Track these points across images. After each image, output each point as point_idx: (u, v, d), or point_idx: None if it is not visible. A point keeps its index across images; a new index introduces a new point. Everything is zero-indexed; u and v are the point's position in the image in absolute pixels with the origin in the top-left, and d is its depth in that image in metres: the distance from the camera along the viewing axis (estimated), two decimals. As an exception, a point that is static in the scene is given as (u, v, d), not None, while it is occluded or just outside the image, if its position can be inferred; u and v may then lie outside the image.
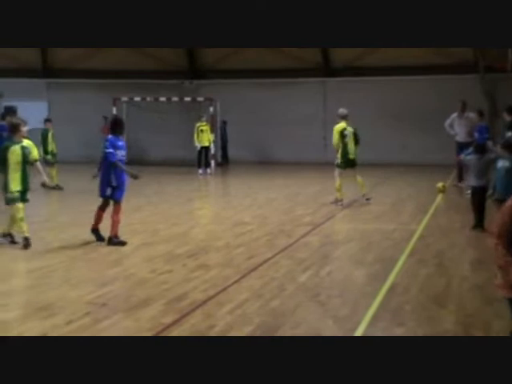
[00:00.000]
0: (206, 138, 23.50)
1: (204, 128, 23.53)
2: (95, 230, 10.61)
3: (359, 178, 15.10)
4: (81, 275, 8.65)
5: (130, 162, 27.49)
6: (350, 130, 14.98)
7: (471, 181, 11.88)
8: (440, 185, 16.96)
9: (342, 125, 14.96)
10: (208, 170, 23.71)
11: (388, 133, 26.71)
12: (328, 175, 23.16)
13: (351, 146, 14.96)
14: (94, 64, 28.17)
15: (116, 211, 10.45)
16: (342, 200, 14.91)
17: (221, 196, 19.65)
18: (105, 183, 10.53)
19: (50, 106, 29.01)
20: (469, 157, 11.93)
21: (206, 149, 23.62)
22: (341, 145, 14.91)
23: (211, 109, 26.02)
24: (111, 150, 10.40)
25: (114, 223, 10.43)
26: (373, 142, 26.80)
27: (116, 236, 10.41)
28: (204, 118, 23.96)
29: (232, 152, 27.76)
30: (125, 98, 27.32)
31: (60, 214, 14.20)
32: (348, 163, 14.98)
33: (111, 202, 10.63)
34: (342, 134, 14.88)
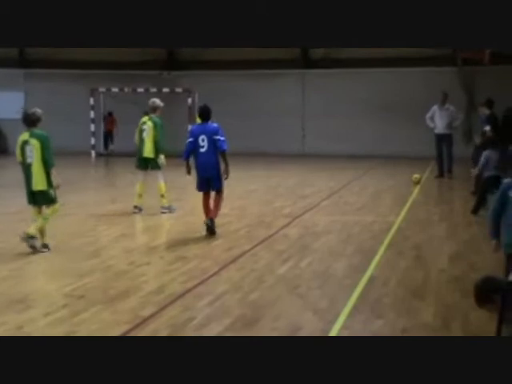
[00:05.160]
0: None
1: None
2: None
3: (160, 183, 12.68)
4: (57, 267, 8.54)
5: (108, 152, 27.59)
6: (149, 124, 12.67)
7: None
8: (415, 177, 17.09)
9: (144, 118, 12.86)
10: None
11: (368, 125, 26.70)
12: (306, 167, 23.28)
13: (148, 143, 12.64)
14: (72, 54, 27.87)
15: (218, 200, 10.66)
16: (138, 207, 12.63)
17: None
18: (220, 174, 10.54)
19: (27, 96, 28.66)
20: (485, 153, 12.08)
21: None
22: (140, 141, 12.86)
23: (189, 100, 25.91)
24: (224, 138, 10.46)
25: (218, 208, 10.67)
26: (353, 133, 26.91)
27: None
28: None
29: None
30: (102, 89, 27.11)
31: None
32: (141, 163, 12.81)
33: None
34: (141, 129, 12.81)
